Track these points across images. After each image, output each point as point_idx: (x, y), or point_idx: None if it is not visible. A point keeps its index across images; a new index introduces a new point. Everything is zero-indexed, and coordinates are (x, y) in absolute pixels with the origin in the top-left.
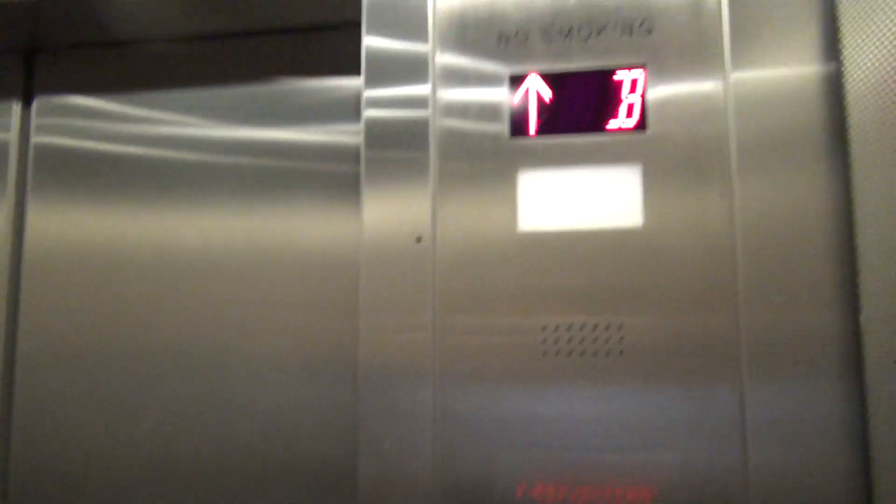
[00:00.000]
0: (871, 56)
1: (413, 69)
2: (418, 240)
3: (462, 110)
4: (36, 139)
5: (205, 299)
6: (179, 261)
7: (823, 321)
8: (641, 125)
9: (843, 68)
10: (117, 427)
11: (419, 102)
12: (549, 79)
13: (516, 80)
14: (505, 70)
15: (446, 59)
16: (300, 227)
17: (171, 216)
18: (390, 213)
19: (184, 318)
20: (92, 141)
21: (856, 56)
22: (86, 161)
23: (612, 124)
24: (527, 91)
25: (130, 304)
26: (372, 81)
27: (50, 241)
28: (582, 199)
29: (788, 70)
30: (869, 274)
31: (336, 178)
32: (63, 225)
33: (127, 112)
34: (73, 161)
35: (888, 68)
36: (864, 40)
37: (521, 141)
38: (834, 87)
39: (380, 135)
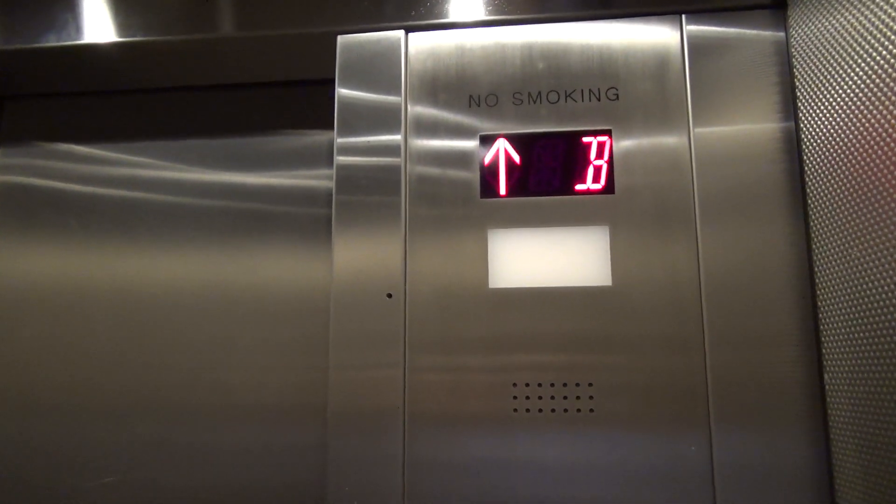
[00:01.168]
0: (823, 115)
1: (385, 119)
2: (389, 296)
3: (434, 159)
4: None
5: (173, 341)
6: (147, 302)
7: (788, 369)
8: (609, 188)
9: (799, 126)
10: (81, 477)
11: (391, 150)
12: (519, 140)
13: (487, 140)
14: (476, 130)
15: (418, 111)
16: (272, 268)
17: (140, 256)
18: (361, 261)
19: (151, 360)
20: (59, 181)
21: (810, 115)
22: (52, 201)
23: (581, 187)
24: (497, 152)
25: (95, 345)
26: (344, 130)
27: (9, 278)
28: (552, 259)
29: (748, 127)
30: (828, 325)
31: (309, 220)
32: (25, 263)
33: (95, 154)
34: (38, 201)
35: (839, 126)
36: (817, 101)
37: (491, 201)
38: (791, 143)
39: (351, 180)
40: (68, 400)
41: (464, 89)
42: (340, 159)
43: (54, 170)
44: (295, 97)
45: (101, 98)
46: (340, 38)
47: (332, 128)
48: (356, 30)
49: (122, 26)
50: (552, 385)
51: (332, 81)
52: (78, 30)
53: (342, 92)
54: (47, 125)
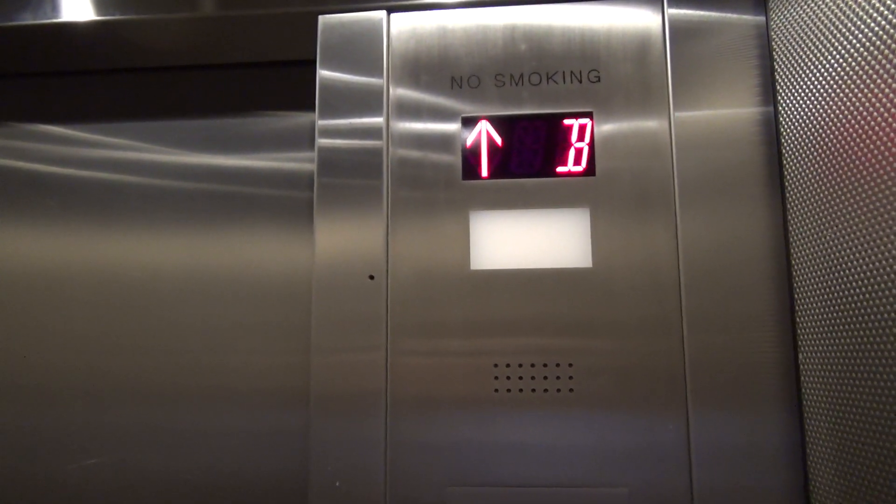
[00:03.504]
0: (801, 100)
1: (367, 101)
2: (371, 278)
3: (416, 141)
4: None
5: (155, 324)
6: (128, 285)
7: (764, 350)
8: (590, 170)
9: (777, 110)
10: (62, 460)
11: (373, 132)
12: (501, 122)
13: (469, 122)
14: (458, 112)
15: (400, 92)
16: (254, 250)
17: (121, 239)
18: (343, 244)
19: (132, 343)
20: (39, 163)
21: (788, 99)
22: (32, 183)
23: (562, 169)
24: (479, 134)
25: (76, 328)
26: (325, 112)
27: None
28: (533, 241)
29: (728, 111)
30: (803, 308)
31: (291, 202)
32: (3, 246)
33: (76, 136)
34: (17, 182)
35: (816, 111)
36: (795, 86)
37: (473, 183)
38: (770, 127)
39: (333, 162)
40: (49, 383)
41: (446, 71)
42: (322, 141)
43: (32, 151)
44: (276, 78)
45: (79, 78)
46: (322, 19)
47: (314, 110)
48: (337, 10)
49: (99, 5)
50: (533, 366)
51: (314, 62)
52: (55, 8)
53: (323, 73)
54: (24, 105)
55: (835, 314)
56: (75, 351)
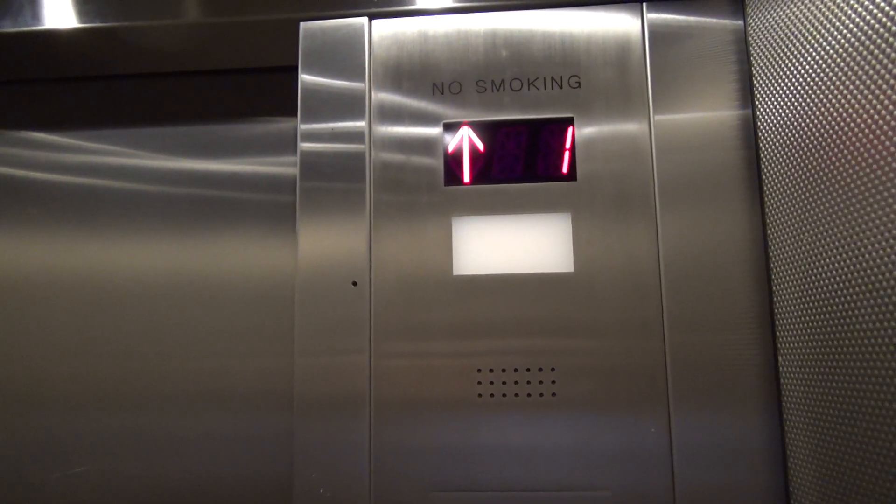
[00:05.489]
0: (778, 103)
1: (349, 106)
2: (354, 284)
3: (398, 146)
4: None
5: (138, 330)
6: (110, 291)
7: (744, 351)
8: (571, 175)
9: (755, 113)
10: (45, 468)
11: (355, 137)
12: (483, 128)
13: (450, 128)
14: (440, 117)
15: (382, 97)
16: (238, 255)
17: (103, 245)
18: (326, 249)
19: (116, 349)
20: (21, 169)
21: (766, 103)
22: (14, 189)
23: (543, 174)
24: (461, 140)
25: (58, 334)
26: (308, 117)
27: None
28: (515, 246)
29: (707, 114)
30: (782, 309)
31: (274, 207)
32: None
33: (59, 142)
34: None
35: (793, 114)
36: (773, 89)
37: (455, 188)
38: (748, 130)
39: (315, 167)
40: (32, 390)
41: (427, 77)
42: (304, 146)
43: (13, 157)
44: (259, 84)
45: (61, 85)
46: (303, 25)
47: (297, 115)
48: (319, 16)
49: (80, 12)
50: (516, 370)
51: (296, 68)
52: (35, 15)
53: (305, 79)
54: (6, 112)
55: (813, 315)
56: (58, 357)
